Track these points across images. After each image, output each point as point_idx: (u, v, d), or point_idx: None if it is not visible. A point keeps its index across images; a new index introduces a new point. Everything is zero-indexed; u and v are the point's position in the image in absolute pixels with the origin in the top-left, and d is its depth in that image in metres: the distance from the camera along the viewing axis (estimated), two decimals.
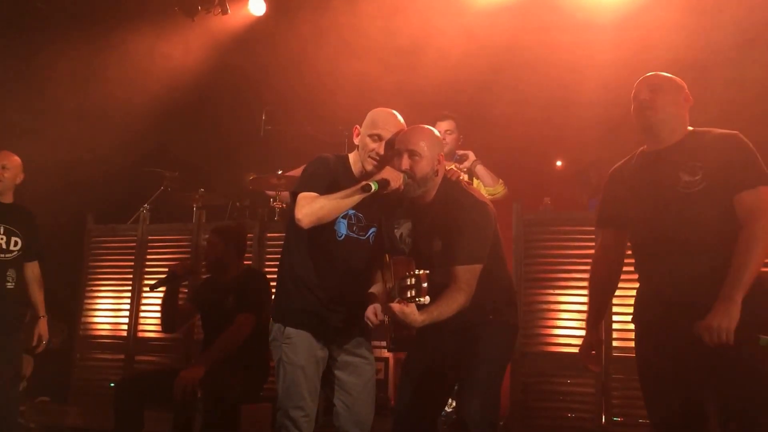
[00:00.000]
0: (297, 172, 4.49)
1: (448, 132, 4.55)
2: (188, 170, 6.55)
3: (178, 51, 6.68)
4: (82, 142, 6.25)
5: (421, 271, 2.52)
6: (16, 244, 4.26)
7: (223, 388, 3.85)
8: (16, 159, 4.38)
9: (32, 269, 4.39)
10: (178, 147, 6.91)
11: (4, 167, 4.28)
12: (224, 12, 6.51)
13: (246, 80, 6.90)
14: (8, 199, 4.36)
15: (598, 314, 2.96)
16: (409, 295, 2.51)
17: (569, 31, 5.86)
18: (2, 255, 4.21)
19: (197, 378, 3.78)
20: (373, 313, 2.89)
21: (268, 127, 6.23)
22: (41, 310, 4.40)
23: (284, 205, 5.43)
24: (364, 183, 2.80)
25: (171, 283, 4.22)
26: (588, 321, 2.96)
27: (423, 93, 5.87)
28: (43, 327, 4.36)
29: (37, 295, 4.40)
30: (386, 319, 2.82)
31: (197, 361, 4.03)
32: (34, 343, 4.31)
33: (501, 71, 6.04)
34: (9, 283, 4.21)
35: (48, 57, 6.37)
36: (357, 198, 2.84)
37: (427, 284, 2.50)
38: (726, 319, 2.40)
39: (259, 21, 6.79)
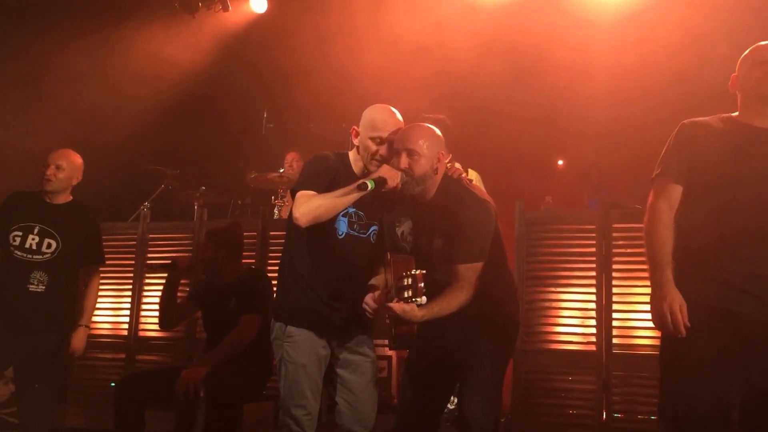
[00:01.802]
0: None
1: None
2: (189, 168, 6.55)
3: (179, 48, 6.67)
4: (81, 140, 6.22)
5: (417, 271, 2.53)
6: (49, 246, 3.97)
7: (226, 388, 3.84)
8: (75, 160, 4.12)
9: (87, 273, 4.13)
10: (179, 145, 6.91)
11: (58, 167, 4.03)
12: (225, 9, 6.51)
13: (247, 78, 6.90)
14: (61, 199, 4.10)
15: (670, 270, 2.50)
16: (406, 295, 2.53)
17: (572, 32, 5.87)
18: (30, 256, 3.94)
19: (199, 377, 3.77)
20: (371, 299, 2.88)
21: (270, 125, 6.24)
22: (84, 318, 4.05)
23: (285, 203, 5.43)
24: (360, 182, 2.80)
25: (171, 272, 4.20)
26: (664, 278, 2.48)
27: (426, 92, 5.87)
28: (79, 337, 4.01)
29: (86, 301, 4.08)
30: (387, 317, 2.82)
31: (200, 361, 4.02)
32: (67, 353, 4.02)
33: (503, 71, 6.05)
34: (33, 286, 3.91)
35: (47, 53, 6.36)
36: (354, 197, 2.84)
37: (424, 284, 2.51)
38: None
39: (261, 18, 6.78)
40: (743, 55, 2.66)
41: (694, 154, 2.58)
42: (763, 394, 2.41)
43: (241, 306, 4.05)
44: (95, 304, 4.20)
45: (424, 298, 2.53)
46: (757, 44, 2.64)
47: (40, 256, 3.96)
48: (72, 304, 4.08)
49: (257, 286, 4.14)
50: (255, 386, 4.09)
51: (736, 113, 2.64)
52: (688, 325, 2.41)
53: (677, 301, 2.42)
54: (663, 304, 2.44)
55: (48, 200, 4.07)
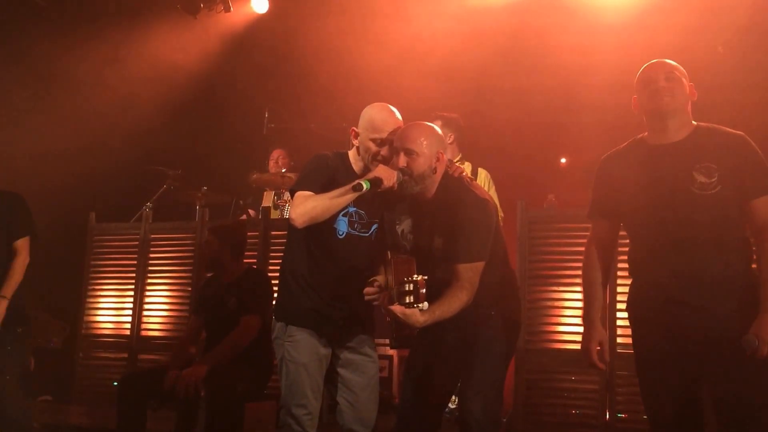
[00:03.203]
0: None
1: None
2: (191, 168, 6.55)
3: (181, 49, 6.67)
4: (84, 141, 6.25)
5: (419, 277, 2.52)
6: None
7: (227, 387, 3.84)
8: None
9: (17, 247, 4.05)
10: (180, 145, 6.91)
11: None
12: (227, 10, 6.50)
13: (249, 78, 6.89)
14: None
15: (596, 308, 2.81)
16: (407, 301, 2.52)
17: (574, 31, 5.85)
18: None
19: (200, 376, 3.77)
20: (371, 288, 2.86)
21: (271, 125, 6.23)
22: (3, 289, 3.93)
23: (287, 203, 5.44)
24: (355, 182, 2.79)
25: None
26: (585, 317, 2.82)
27: (428, 92, 5.85)
28: None
29: (10, 271, 3.98)
30: (387, 317, 2.81)
31: (201, 360, 4.02)
32: None
33: (506, 70, 6.03)
34: None
35: (49, 55, 6.37)
36: (350, 197, 2.84)
37: (425, 290, 2.51)
38: None
39: (262, 19, 6.78)
40: (636, 78, 2.78)
41: (614, 188, 2.77)
42: (725, 394, 2.51)
43: (242, 306, 4.04)
44: (21, 274, 4.04)
45: (425, 304, 2.52)
46: (645, 65, 2.77)
47: None
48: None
49: (257, 286, 4.14)
50: (255, 386, 4.08)
51: (646, 134, 2.77)
52: (601, 365, 2.75)
53: (594, 340, 2.75)
54: (583, 342, 2.79)
55: None
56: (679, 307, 2.56)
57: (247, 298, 4.06)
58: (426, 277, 2.52)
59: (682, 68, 2.75)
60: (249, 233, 5.11)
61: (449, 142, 4.57)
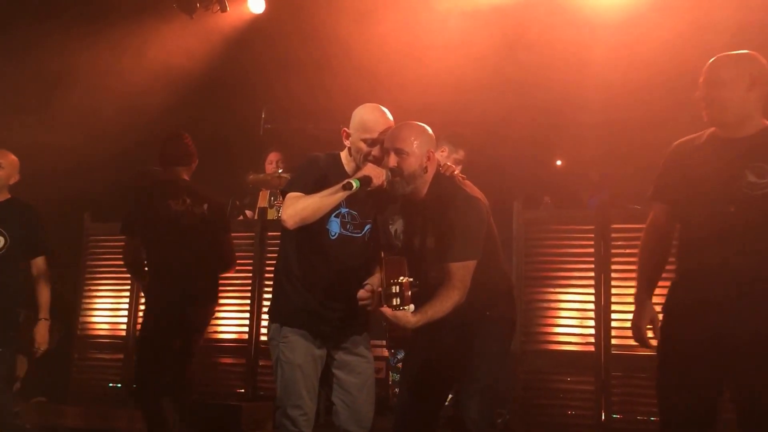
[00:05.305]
0: None
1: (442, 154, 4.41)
2: None
3: (177, 49, 6.65)
4: (78, 140, 6.22)
5: (405, 279, 2.53)
6: None
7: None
8: (12, 158, 4.23)
9: (36, 266, 4.21)
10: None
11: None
12: (223, 10, 6.47)
13: (246, 79, 6.88)
14: (1, 197, 4.21)
15: (650, 289, 2.82)
16: (394, 303, 2.54)
17: (570, 31, 5.85)
18: None
19: None
20: (365, 290, 2.87)
21: (268, 126, 6.22)
22: (42, 312, 4.16)
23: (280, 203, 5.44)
24: (345, 181, 2.80)
25: None
26: (640, 296, 2.82)
27: (424, 92, 5.86)
28: (41, 331, 4.12)
29: (39, 295, 4.17)
30: (382, 319, 2.81)
31: None
32: (33, 348, 4.13)
33: (501, 70, 6.03)
34: None
35: (42, 54, 6.34)
36: (340, 196, 2.84)
37: (411, 292, 2.53)
38: None
39: (259, 19, 6.77)
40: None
41: (677, 175, 2.74)
42: (751, 392, 2.49)
43: None
44: (50, 295, 4.21)
45: (411, 306, 2.55)
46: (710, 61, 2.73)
47: None
48: (25, 297, 4.16)
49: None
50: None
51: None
52: (651, 342, 2.74)
53: (645, 318, 2.75)
54: (633, 320, 2.80)
55: None
56: (713, 308, 2.54)
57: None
58: (411, 279, 2.54)
59: (749, 61, 2.65)
60: (245, 234, 5.14)
61: (459, 157, 4.50)
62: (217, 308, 4.30)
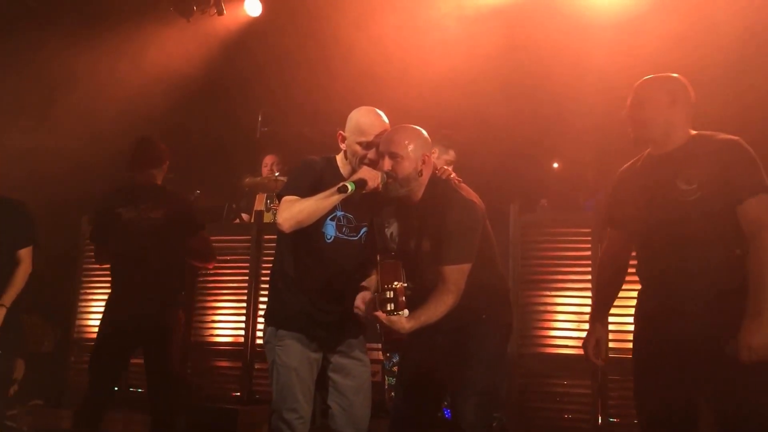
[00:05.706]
0: None
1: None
2: (184, 172, 6.52)
3: (175, 52, 6.65)
4: (75, 144, 6.22)
5: (399, 284, 2.54)
6: None
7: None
8: None
9: (21, 255, 4.15)
10: (173, 148, 6.86)
11: None
12: (220, 13, 6.48)
13: (242, 82, 6.88)
14: None
15: (604, 311, 3.00)
16: (388, 309, 2.56)
17: (567, 34, 5.85)
18: None
19: None
20: (361, 301, 2.88)
21: (265, 129, 6.22)
22: (2, 298, 4.02)
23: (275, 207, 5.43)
24: (340, 184, 2.80)
25: None
26: (592, 316, 3.00)
27: (421, 95, 5.86)
28: None
29: (11, 278, 4.07)
30: (377, 323, 2.81)
31: None
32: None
33: (498, 73, 6.03)
34: None
35: (40, 57, 6.34)
36: (335, 199, 2.84)
37: (404, 297, 2.55)
38: (760, 337, 2.41)
39: (255, 22, 6.77)
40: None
41: (620, 199, 2.90)
42: (721, 396, 2.56)
43: None
44: (22, 283, 4.14)
45: (406, 311, 2.56)
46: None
47: None
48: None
49: None
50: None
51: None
52: (599, 361, 2.97)
53: (592, 339, 2.95)
54: (584, 339, 2.99)
55: None
56: (667, 311, 2.64)
57: None
58: (406, 284, 2.56)
59: (670, 82, 2.78)
60: (241, 237, 5.14)
61: (450, 158, 4.49)
62: (212, 311, 4.29)
